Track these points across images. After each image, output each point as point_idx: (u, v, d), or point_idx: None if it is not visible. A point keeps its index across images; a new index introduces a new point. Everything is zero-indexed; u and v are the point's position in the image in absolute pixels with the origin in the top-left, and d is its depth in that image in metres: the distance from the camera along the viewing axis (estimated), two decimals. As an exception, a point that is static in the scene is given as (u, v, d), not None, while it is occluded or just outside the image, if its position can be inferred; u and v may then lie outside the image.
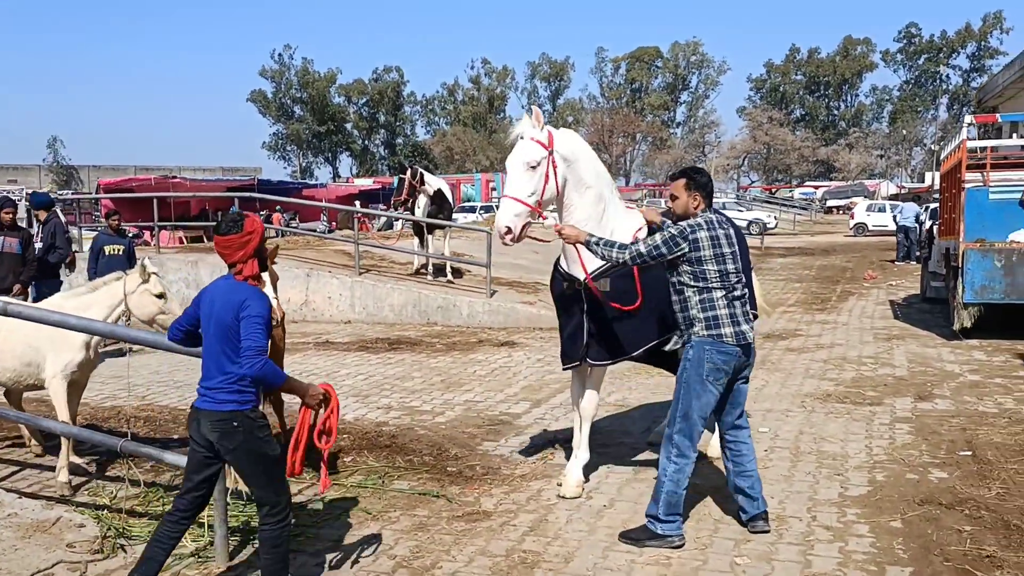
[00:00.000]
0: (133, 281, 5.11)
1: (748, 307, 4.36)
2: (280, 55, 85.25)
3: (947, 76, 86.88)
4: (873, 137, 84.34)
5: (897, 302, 13.55)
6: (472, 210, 36.85)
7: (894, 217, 23.18)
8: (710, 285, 4.19)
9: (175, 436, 6.30)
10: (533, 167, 4.60)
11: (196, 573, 3.98)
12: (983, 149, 11.88)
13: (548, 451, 5.86)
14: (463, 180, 51.60)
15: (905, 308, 12.84)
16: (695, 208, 4.29)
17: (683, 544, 4.18)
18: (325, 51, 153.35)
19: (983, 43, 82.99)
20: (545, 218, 4.82)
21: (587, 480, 5.10)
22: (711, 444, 5.31)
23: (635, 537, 4.24)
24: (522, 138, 4.67)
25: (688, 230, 4.19)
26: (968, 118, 10.62)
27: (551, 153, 4.62)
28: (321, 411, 3.66)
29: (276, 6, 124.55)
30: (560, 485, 4.99)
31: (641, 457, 5.65)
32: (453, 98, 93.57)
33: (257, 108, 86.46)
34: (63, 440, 5.07)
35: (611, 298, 4.74)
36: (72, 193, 40.44)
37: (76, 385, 5.31)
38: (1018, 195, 11.18)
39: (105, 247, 10.02)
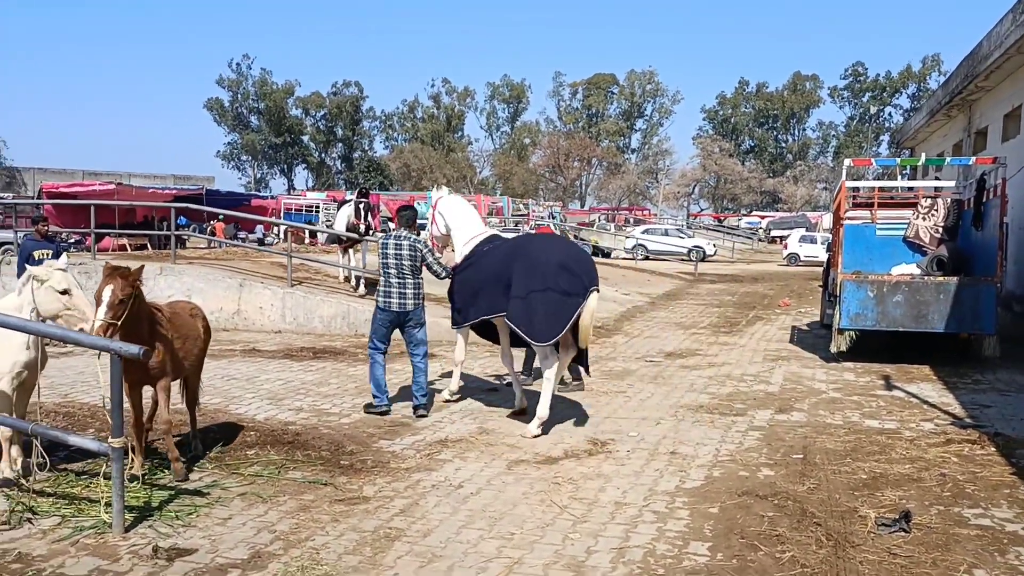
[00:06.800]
0: (38, 279, 5.35)
1: (405, 290, 7.40)
2: (238, 64, 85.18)
3: (889, 114, 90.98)
4: (818, 170, 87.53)
5: (799, 327, 14.54)
6: (422, 227, 37.55)
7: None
8: (383, 273, 7.47)
9: (90, 430, 6.74)
10: (428, 219, 8.14)
11: (93, 541, 4.50)
12: (871, 189, 13.02)
13: (435, 448, 6.49)
14: (416, 197, 52.34)
15: (804, 333, 13.82)
16: (396, 228, 7.74)
17: (388, 411, 7.55)
18: (284, 63, 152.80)
19: (922, 84, 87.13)
20: (439, 247, 8.23)
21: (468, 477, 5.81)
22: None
23: (366, 406, 7.65)
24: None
25: (382, 243, 7.49)
26: (847, 161, 11.64)
27: (434, 211, 8.04)
28: None
29: (235, 16, 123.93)
30: None
31: (516, 456, 6.30)
32: (412, 115, 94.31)
33: (213, 117, 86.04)
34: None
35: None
36: (12, 197, 39.73)
37: (24, 386, 5.53)
38: (902, 232, 12.32)
39: (34, 252, 10.39)
